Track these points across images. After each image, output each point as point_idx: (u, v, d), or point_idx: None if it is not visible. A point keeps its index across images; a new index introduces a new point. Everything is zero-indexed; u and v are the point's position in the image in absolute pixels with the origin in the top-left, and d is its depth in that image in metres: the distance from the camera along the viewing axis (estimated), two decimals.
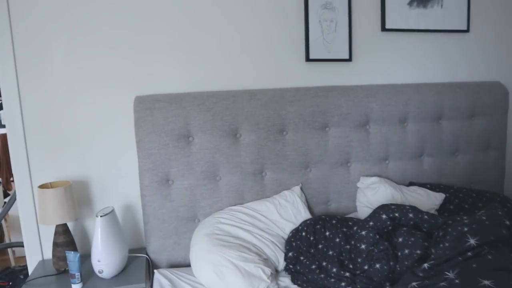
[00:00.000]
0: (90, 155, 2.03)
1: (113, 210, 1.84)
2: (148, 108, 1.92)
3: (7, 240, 3.59)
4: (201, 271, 1.73)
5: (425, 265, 1.43)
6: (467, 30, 2.39)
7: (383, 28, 2.25)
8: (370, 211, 2.16)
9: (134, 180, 2.09)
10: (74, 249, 1.91)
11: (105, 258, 1.78)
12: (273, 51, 2.15)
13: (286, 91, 2.09)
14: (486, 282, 1.25)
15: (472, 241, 1.40)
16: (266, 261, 1.83)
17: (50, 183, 1.94)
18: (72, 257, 1.73)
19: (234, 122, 2.02)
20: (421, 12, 2.29)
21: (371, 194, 2.16)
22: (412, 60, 2.37)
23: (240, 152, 2.05)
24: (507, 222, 1.44)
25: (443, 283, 1.31)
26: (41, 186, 1.89)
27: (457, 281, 1.29)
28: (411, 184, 2.33)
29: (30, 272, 2.06)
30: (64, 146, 2.00)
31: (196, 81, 2.09)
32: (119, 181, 2.08)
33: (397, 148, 2.30)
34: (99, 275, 1.80)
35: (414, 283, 1.40)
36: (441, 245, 1.45)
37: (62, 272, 1.88)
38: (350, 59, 2.22)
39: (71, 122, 1.99)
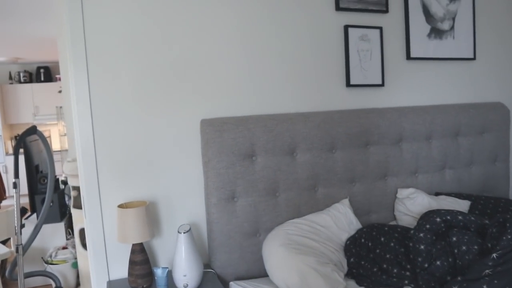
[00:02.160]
0: (155, 177, 2.14)
1: (190, 227, 1.96)
2: (217, 130, 2.08)
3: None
4: (285, 279, 1.87)
5: (494, 255, 1.68)
6: (474, 58, 2.77)
7: (408, 57, 2.57)
8: (410, 218, 2.41)
9: (197, 199, 2.21)
10: (150, 267, 1.99)
11: (189, 272, 1.88)
12: (319, 78, 2.40)
13: (335, 114, 2.33)
14: None
15: None
16: (337, 266, 2.01)
17: (124, 203, 2.03)
18: (161, 273, 1.82)
19: (292, 142, 2.21)
20: (438, 43, 2.64)
21: (410, 203, 2.41)
22: (432, 84, 2.71)
23: (297, 170, 2.24)
24: None
25: None
26: (118, 207, 1.97)
27: None
28: (437, 194, 2.61)
29: None
30: (131, 168, 2.10)
31: (253, 106, 2.28)
32: (182, 201, 2.19)
33: (425, 162, 2.58)
34: None
35: (487, 271, 1.64)
36: (504, 238, 1.71)
37: None
38: (383, 84, 2.51)
39: (138, 146, 2.10)
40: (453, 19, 2.66)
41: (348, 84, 2.43)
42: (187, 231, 1.91)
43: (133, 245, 1.97)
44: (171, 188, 2.17)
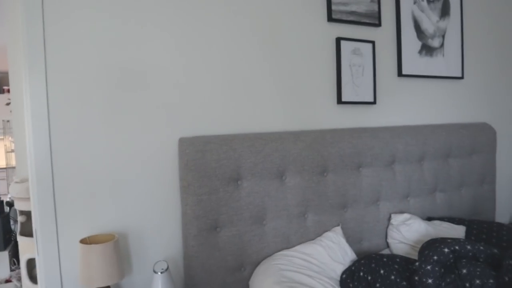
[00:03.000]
0: (125, 205, 1.82)
1: (168, 265, 1.66)
2: (199, 150, 1.81)
3: None
4: None
5: None
6: (462, 77, 2.67)
7: (400, 74, 2.42)
8: (406, 246, 2.22)
9: (174, 230, 1.91)
10: None
11: None
12: (310, 94, 2.19)
13: (327, 133, 2.12)
14: None
15: None
16: None
17: (88, 237, 1.70)
18: None
19: (282, 164, 1.98)
20: (428, 60, 2.52)
21: (405, 230, 2.22)
22: (423, 102, 2.58)
23: (287, 195, 2.00)
24: None
25: None
26: (81, 242, 1.64)
27: None
28: (429, 218, 2.45)
29: None
30: (96, 194, 1.77)
31: (238, 123, 2.03)
32: (156, 232, 1.88)
33: (417, 185, 2.42)
34: None
35: None
36: None
37: None
38: (374, 102, 2.34)
39: (105, 168, 1.79)
40: (443, 36, 2.56)
41: (339, 101, 2.24)
42: (165, 270, 1.61)
43: None
44: (144, 217, 1.86)
